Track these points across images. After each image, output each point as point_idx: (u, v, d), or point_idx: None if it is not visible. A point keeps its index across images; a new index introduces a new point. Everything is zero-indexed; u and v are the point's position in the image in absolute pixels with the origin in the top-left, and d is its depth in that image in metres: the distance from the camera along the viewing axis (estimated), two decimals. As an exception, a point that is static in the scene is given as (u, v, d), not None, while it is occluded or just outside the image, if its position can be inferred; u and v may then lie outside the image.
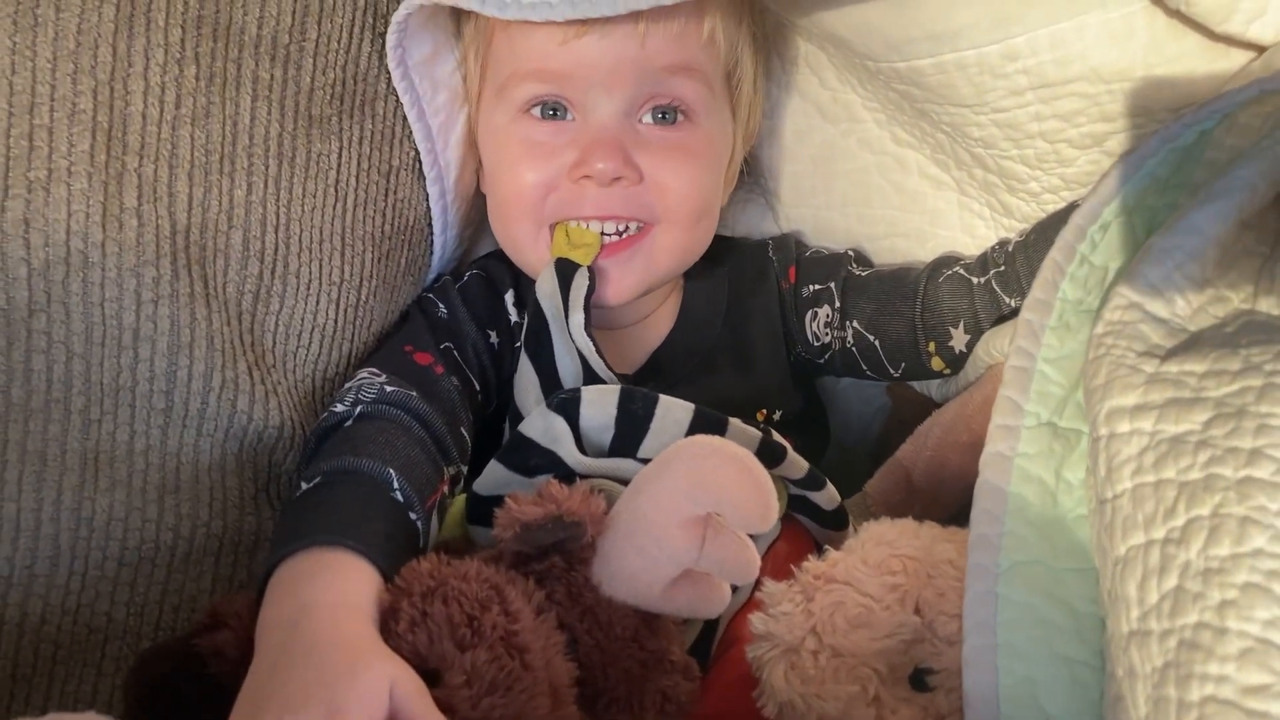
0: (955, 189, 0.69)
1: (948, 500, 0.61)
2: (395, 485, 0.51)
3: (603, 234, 0.63)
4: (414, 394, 0.57)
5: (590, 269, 0.61)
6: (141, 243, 0.52)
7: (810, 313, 0.71)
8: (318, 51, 0.59)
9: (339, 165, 0.61)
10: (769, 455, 0.53)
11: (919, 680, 0.46)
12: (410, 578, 0.42)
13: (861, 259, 0.73)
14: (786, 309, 0.72)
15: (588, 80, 0.61)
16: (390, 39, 0.62)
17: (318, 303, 0.60)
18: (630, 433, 0.53)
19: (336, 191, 0.61)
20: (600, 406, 0.53)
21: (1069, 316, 0.47)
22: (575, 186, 0.62)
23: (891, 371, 0.69)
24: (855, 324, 0.69)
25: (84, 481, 0.53)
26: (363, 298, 0.63)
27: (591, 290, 0.61)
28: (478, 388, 0.64)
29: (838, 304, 0.70)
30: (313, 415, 0.61)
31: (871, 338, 0.69)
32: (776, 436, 0.55)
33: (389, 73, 0.64)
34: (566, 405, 0.54)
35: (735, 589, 0.49)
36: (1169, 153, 0.47)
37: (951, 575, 0.45)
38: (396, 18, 0.61)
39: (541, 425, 0.53)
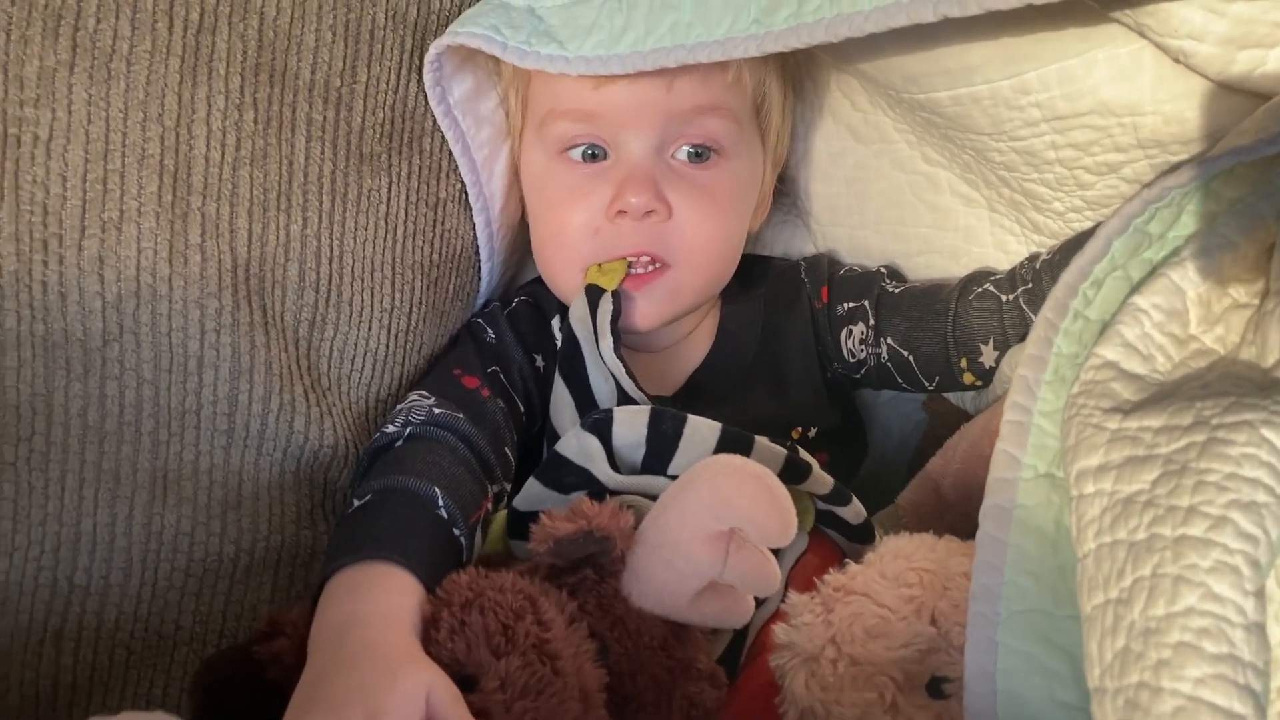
0: (986, 206, 0.70)
1: (976, 512, 0.63)
2: (440, 503, 0.54)
3: (630, 265, 0.65)
4: (461, 416, 0.60)
5: (616, 294, 0.64)
6: (205, 276, 0.56)
7: (845, 330, 0.72)
8: (367, 93, 0.63)
9: (389, 199, 0.65)
10: (794, 472, 0.54)
11: (935, 688, 0.48)
12: (450, 589, 0.44)
13: (895, 274, 0.75)
14: (820, 328, 0.73)
15: (619, 122, 0.64)
16: (427, 78, 0.65)
17: (370, 329, 0.64)
18: (661, 451, 0.55)
19: (387, 224, 0.65)
20: (631, 426, 0.55)
21: (1064, 371, 0.48)
22: (613, 226, 0.65)
23: (926, 385, 0.71)
24: (889, 340, 0.71)
25: (153, 499, 0.57)
26: (413, 323, 0.67)
27: (618, 314, 0.64)
28: (522, 409, 0.67)
29: (872, 321, 0.71)
30: (365, 435, 0.64)
31: (905, 354, 0.70)
32: (803, 454, 0.56)
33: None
34: (599, 425, 0.56)
35: (761, 601, 0.51)
36: (1154, 210, 0.48)
37: (966, 588, 0.46)
38: (429, 57, 0.64)
39: (576, 444, 0.56)
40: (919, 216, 0.74)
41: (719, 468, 0.46)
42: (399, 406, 0.62)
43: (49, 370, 0.54)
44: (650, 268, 0.66)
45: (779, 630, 0.49)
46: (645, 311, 0.66)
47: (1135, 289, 0.47)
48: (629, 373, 0.62)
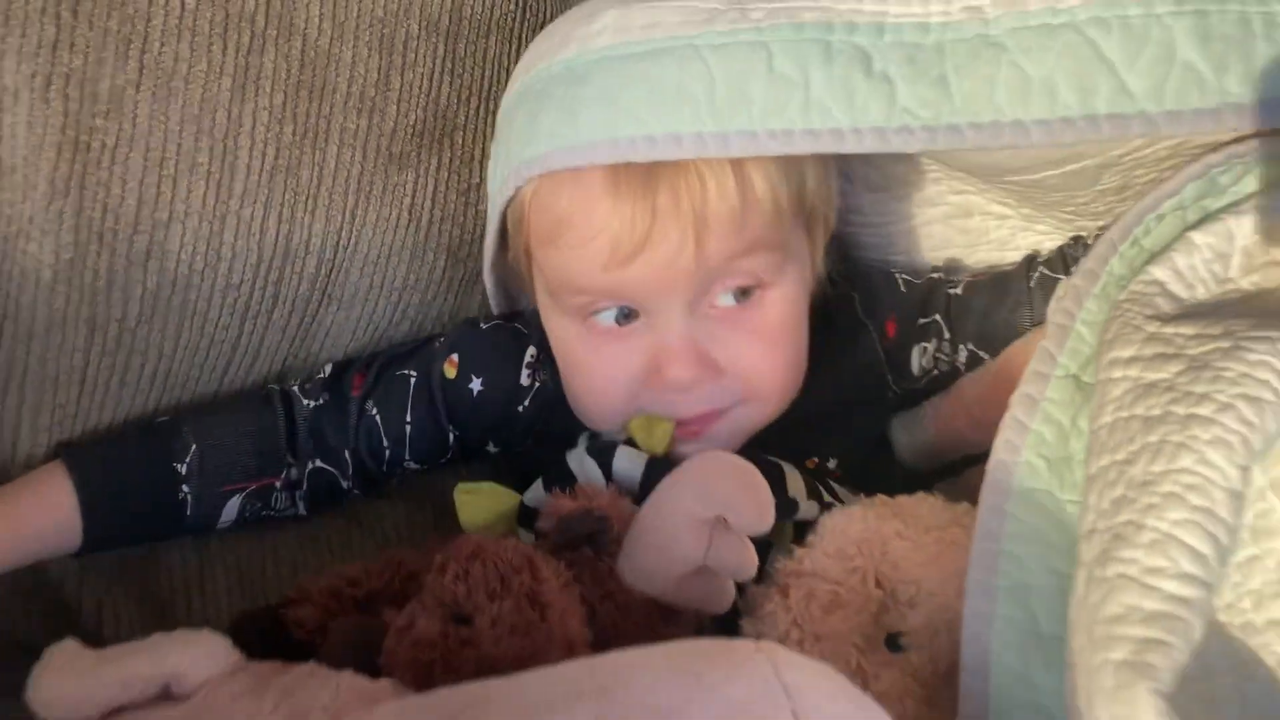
0: (1019, 219, 0.70)
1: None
2: (186, 461, 0.62)
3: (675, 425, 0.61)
4: (318, 403, 0.66)
5: (667, 458, 0.60)
6: (232, 271, 0.63)
7: (919, 349, 0.68)
8: (400, 99, 0.67)
9: (414, 192, 0.69)
10: (782, 512, 0.54)
11: (893, 644, 0.52)
12: (460, 544, 0.51)
13: (950, 269, 0.71)
14: (890, 358, 0.68)
15: (644, 292, 0.58)
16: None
17: (376, 307, 0.70)
18: (657, 481, 0.53)
19: (410, 214, 0.69)
20: (631, 462, 0.59)
21: (1110, 290, 0.53)
22: (658, 394, 0.60)
23: None
24: (969, 346, 0.68)
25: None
26: (429, 297, 0.72)
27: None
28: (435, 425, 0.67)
29: (946, 335, 0.68)
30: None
31: (984, 354, 0.67)
32: (792, 493, 0.59)
33: (467, 106, 0.70)
34: (603, 453, 0.60)
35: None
36: (1233, 164, 0.52)
37: (901, 547, 0.53)
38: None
39: (578, 465, 0.60)
40: (950, 239, 0.72)
41: (706, 460, 0.52)
42: (324, 373, 0.68)
43: (87, 346, 0.61)
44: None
45: (746, 625, 0.54)
46: (716, 445, 0.61)
47: (1191, 227, 0.53)
48: None
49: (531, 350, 0.67)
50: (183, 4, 0.58)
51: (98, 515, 0.60)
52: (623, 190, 0.56)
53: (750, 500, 0.49)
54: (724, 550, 0.49)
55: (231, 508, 0.64)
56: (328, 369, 0.68)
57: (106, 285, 0.60)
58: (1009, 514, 0.50)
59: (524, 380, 0.67)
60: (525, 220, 0.61)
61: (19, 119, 0.54)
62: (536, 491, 0.62)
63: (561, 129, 0.57)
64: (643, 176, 0.56)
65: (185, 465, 0.62)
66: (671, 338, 0.59)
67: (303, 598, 0.55)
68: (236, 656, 0.49)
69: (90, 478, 0.60)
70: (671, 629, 0.52)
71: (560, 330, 0.63)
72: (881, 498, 0.57)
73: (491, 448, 0.70)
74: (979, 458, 0.54)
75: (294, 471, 0.66)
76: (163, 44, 0.58)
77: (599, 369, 0.62)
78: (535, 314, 0.67)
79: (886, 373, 0.68)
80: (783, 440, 0.62)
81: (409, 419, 0.67)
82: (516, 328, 0.69)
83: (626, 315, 0.60)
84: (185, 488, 0.62)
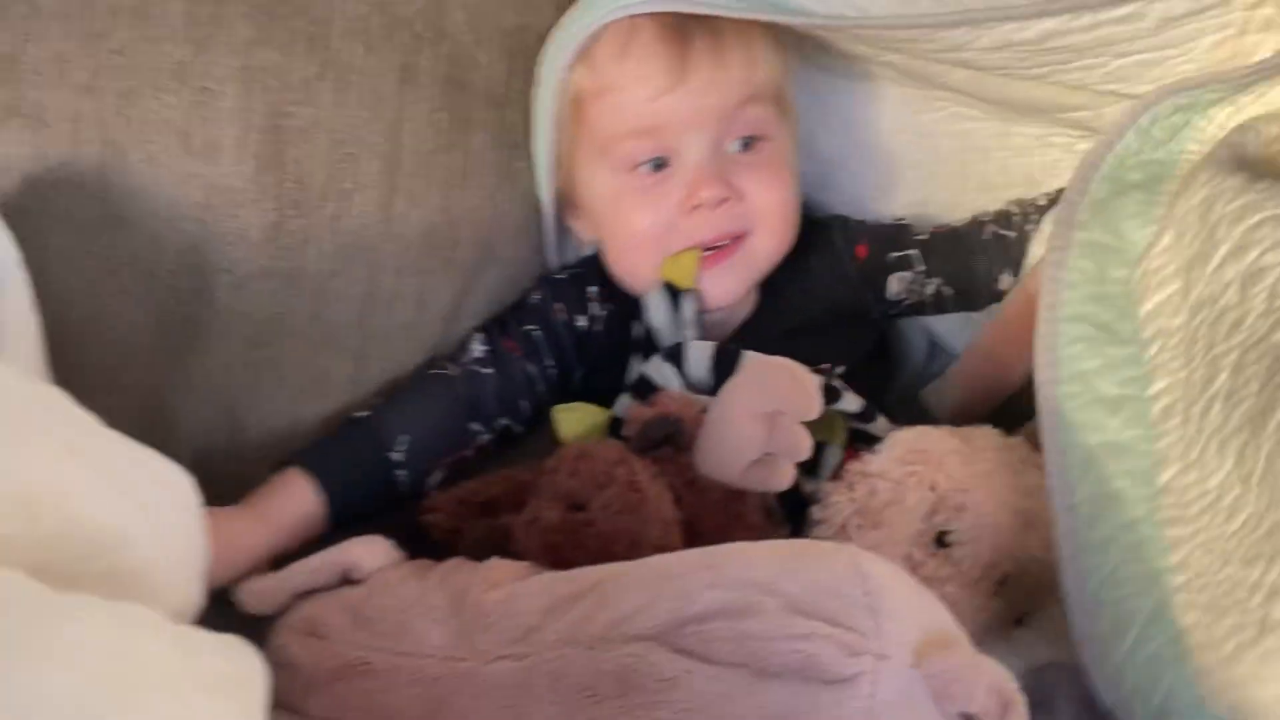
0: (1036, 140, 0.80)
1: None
2: (396, 446, 0.73)
3: (702, 252, 0.75)
4: (490, 372, 0.77)
5: (694, 291, 0.74)
6: (405, 233, 0.76)
7: (896, 277, 0.82)
8: (522, 98, 0.81)
9: (533, 178, 0.82)
10: (827, 395, 0.66)
11: (940, 540, 0.61)
12: (566, 450, 0.62)
13: (912, 226, 0.84)
14: (864, 278, 0.82)
15: (679, 129, 0.74)
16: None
17: (515, 271, 0.83)
18: (723, 376, 0.66)
19: (527, 196, 0.82)
20: (700, 354, 0.70)
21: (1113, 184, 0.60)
22: (689, 220, 0.74)
23: (954, 311, 0.84)
24: (937, 280, 0.82)
25: (351, 399, 0.77)
26: (542, 265, 0.85)
27: (700, 307, 0.74)
28: (552, 364, 0.80)
29: (921, 268, 0.81)
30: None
31: (948, 290, 0.82)
32: (834, 381, 0.69)
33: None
34: (674, 354, 0.70)
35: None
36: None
37: (956, 462, 0.62)
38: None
39: (656, 370, 0.71)
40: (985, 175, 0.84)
41: (761, 363, 0.63)
42: (464, 343, 0.79)
43: (285, 295, 0.73)
44: (720, 247, 0.76)
45: (814, 510, 0.64)
46: (726, 287, 0.77)
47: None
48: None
49: (591, 288, 0.82)
50: (355, 9, 0.72)
51: (338, 507, 0.71)
52: (667, 37, 0.73)
53: (799, 392, 0.59)
54: (781, 435, 0.59)
55: (435, 478, 0.76)
56: (477, 343, 0.80)
57: (302, 244, 0.72)
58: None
59: (593, 310, 0.82)
60: (583, 88, 0.76)
61: (228, 105, 0.68)
62: (624, 403, 0.72)
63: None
64: (679, 31, 0.72)
65: (398, 453, 0.74)
66: (701, 166, 0.74)
67: (436, 507, 0.67)
68: (399, 553, 0.62)
69: (327, 478, 0.71)
70: (741, 506, 0.61)
71: (605, 188, 0.78)
72: (947, 427, 0.66)
73: (576, 375, 0.82)
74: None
75: (483, 436, 0.77)
76: (341, 43, 0.71)
77: (641, 208, 0.76)
78: (595, 258, 0.83)
79: (864, 289, 0.83)
80: (791, 349, 0.69)
81: (549, 363, 0.80)
82: (578, 271, 0.84)
83: (658, 167, 0.75)
84: (399, 472, 0.74)
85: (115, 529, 0.42)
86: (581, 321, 0.81)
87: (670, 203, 0.75)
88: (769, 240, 0.78)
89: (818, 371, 0.72)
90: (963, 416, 0.77)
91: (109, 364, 0.69)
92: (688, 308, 0.74)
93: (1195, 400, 0.53)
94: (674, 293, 0.75)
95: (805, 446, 0.60)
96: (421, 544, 0.67)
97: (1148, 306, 0.56)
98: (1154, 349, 0.56)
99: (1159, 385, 0.55)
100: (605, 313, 0.81)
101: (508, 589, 0.53)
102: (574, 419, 0.72)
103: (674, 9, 0.72)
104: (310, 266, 0.73)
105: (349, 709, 0.52)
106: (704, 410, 0.63)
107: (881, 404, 0.73)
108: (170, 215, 0.68)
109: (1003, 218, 0.81)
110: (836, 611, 0.44)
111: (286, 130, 0.70)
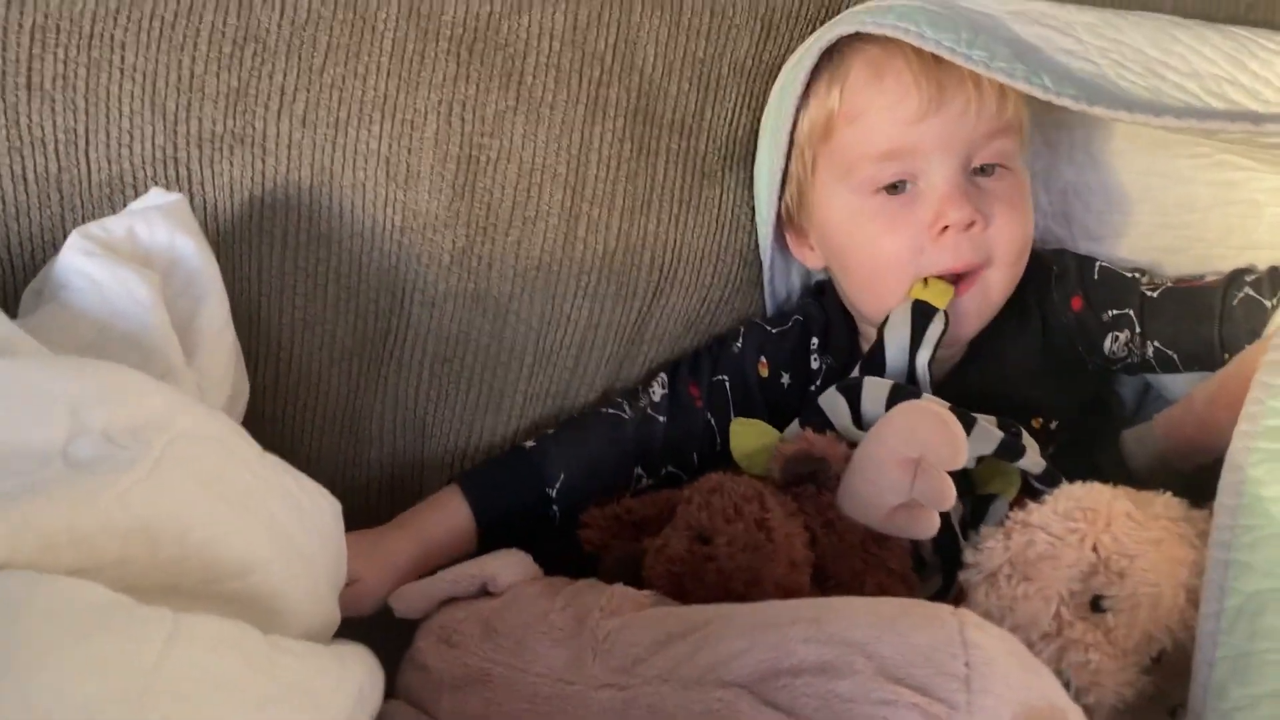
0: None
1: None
2: (555, 486, 0.75)
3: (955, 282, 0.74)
4: (663, 420, 0.78)
5: (946, 313, 0.72)
6: (584, 259, 0.78)
7: (1110, 336, 0.78)
8: (712, 127, 0.82)
9: (720, 204, 0.84)
10: (1008, 452, 0.64)
11: (1096, 605, 0.58)
12: (702, 481, 0.63)
13: (1149, 276, 0.79)
14: (1081, 331, 0.79)
15: (929, 151, 0.73)
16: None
17: (692, 299, 0.83)
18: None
19: (717, 223, 0.84)
20: (876, 392, 0.68)
21: None
22: (937, 243, 0.73)
23: (1184, 371, 0.77)
24: (1155, 343, 0.76)
25: (522, 414, 0.82)
26: (725, 296, 0.85)
27: (945, 331, 0.72)
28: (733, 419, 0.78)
29: (1138, 330, 0.77)
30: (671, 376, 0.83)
31: (1170, 353, 0.76)
32: (1025, 439, 0.66)
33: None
34: (850, 389, 0.69)
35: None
36: None
37: (1126, 525, 0.57)
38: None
39: (829, 403, 0.70)
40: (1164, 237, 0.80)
41: (909, 408, 0.60)
42: (649, 385, 0.81)
43: (470, 315, 0.77)
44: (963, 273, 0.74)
45: (967, 552, 0.61)
46: (965, 321, 0.75)
47: None
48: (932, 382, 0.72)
49: (814, 340, 0.82)
50: (550, 46, 0.75)
51: (490, 532, 0.74)
52: (925, 62, 0.72)
53: (945, 440, 0.56)
54: (926, 483, 0.57)
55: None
56: (659, 385, 0.81)
57: (487, 268, 0.77)
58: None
59: (814, 365, 0.81)
60: (833, 110, 0.76)
61: (428, 136, 0.73)
62: (793, 429, 0.72)
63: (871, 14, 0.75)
64: (936, 57, 0.71)
65: (555, 489, 0.76)
66: (950, 188, 0.73)
67: (591, 522, 0.69)
68: (536, 569, 0.64)
69: (484, 505, 0.75)
70: (882, 551, 0.59)
71: (848, 212, 0.77)
72: (1124, 488, 0.61)
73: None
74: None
75: (644, 480, 0.79)
76: (534, 77, 0.75)
77: (890, 231, 0.75)
78: (810, 304, 0.84)
79: (1076, 341, 0.79)
80: (1009, 400, 0.68)
81: (732, 417, 0.80)
82: (798, 320, 0.83)
83: (896, 190, 0.75)
84: (555, 507, 0.76)
85: (238, 558, 0.46)
86: (785, 378, 0.81)
87: (919, 225, 0.74)
88: (1004, 274, 0.76)
89: (1022, 426, 0.69)
90: (1161, 468, 0.72)
91: (314, 370, 0.76)
92: (935, 329, 0.72)
93: None
94: (923, 316, 0.73)
95: (949, 496, 0.57)
96: (575, 549, 0.70)
97: None
98: None
99: None
100: (824, 366, 0.81)
101: (625, 618, 0.54)
102: (749, 434, 0.72)
103: (940, 53, 0.71)
104: (494, 289, 0.77)
105: (469, 715, 0.55)
106: (851, 449, 0.61)
107: (1093, 460, 0.70)
108: (371, 237, 0.74)
109: (1265, 281, 0.73)
110: (927, 680, 0.41)
111: (479, 160, 0.75)
